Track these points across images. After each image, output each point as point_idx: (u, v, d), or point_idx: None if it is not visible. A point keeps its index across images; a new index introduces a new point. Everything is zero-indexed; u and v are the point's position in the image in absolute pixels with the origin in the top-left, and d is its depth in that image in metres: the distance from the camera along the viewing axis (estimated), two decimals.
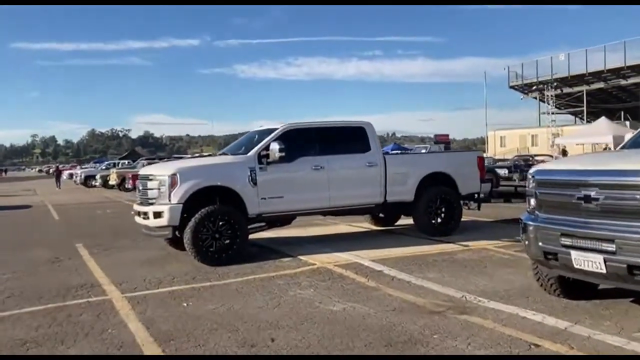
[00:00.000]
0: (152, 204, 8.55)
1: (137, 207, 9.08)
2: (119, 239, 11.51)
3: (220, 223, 8.38)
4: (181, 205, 8.28)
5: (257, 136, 9.98)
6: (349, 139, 9.82)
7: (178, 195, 8.27)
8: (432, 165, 10.22)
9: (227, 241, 8.40)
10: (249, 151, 9.01)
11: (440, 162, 10.46)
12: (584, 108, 46.80)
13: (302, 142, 9.32)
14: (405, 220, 11.63)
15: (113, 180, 30.82)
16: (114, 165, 40.76)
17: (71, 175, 48.57)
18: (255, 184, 8.69)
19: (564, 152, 31.58)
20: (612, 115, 49.26)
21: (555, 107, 46.97)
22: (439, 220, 10.08)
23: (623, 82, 43.80)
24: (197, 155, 33.26)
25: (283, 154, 8.58)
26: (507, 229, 10.80)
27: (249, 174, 8.67)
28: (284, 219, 9.32)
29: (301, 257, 8.51)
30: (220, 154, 9.97)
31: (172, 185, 8.29)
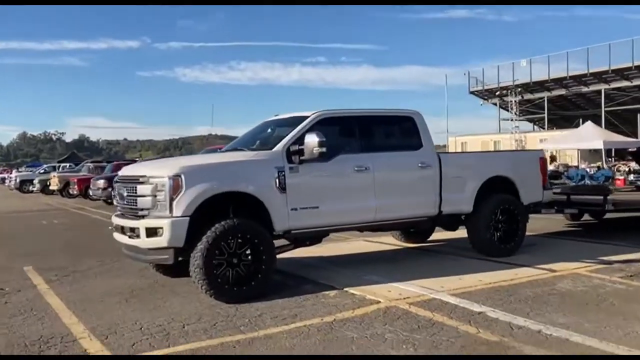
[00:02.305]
0: (143, 216, 6.12)
1: (117, 220, 6.61)
2: (79, 260, 8.91)
3: (239, 242, 6.06)
4: (187, 218, 5.91)
5: (272, 127, 7.71)
6: (396, 133, 7.70)
7: (183, 204, 5.89)
8: (493, 168, 8.19)
9: (249, 269, 6.10)
10: (270, 145, 6.72)
11: (501, 163, 8.44)
12: (545, 115, 46.42)
13: (340, 135, 7.14)
14: (438, 235, 9.60)
15: (54, 185, 27.43)
16: (54, 168, 37.02)
17: (3, 180, 44.22)
18: (283, 189, 6.40)
19: (553, 158, 30.10)
20: (570, 123, 49.36)
21: (515, 113, 46.44)
22: (499, 235, 8.04)
23: (584, 89, 43.63)
24: (139, 159, 30.31)
25: (324, 149, 6.32)
26: (573, 246, 8.93)
27: (276, 176, 6.37)
28: (316, 237, 7.04)
29: (350, 290, 6.27)
30: (228, 150, 7.57)
31: (175, 190, 5.90)
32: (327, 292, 6.23)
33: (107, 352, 4.55)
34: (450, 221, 8.05)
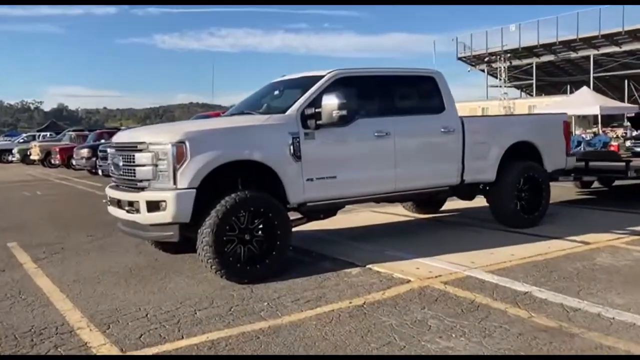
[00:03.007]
0: (142, 188, 5.46)
1: (113, 193, 5.94)
2: (68, 235, 8.25)
3: (252, 216, 5.46)
4: (194, 190, 5.27)
5: (280, 89, 7.03)
6: (417, 94, 7.06)
7: (188, 175, 5.24)
8: (517, 133, 7.62)
9: (262, 245, 5.50)
10: (282, 109, 6.06)
11: (525, 128, 7.83)
12: (533, 81, 45.95)
13: (358, 96, 6.46)
14: (450, 204, 9.06)
15: (35, 155, 26.41)
16: (34, 137, 35.80)
17: None
18: (298, 157, 5.77)
19: None
20: (558, 89, 49.02)
21: (504, 79, 45.90)
22: (522, 205, 7.51)
23: (573, 54, 43.14)
24: (123, 128, 29.10)
25: (345, 111, 5.69)
26: (596, 216, 8.47)
27: (290, 142, 5.73)
28: (332, 209, 6.44)
29: (374, 267, 5.71)
30: (234, 114, 6.85)
31: (179, 159, 5.23)
32: (348, 270, 5.66)
33: (111, 346, 3.94)
34: (470, 190, 7.49)
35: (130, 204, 5.52)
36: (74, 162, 21.02)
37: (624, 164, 8.92)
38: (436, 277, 5.30)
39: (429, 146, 6.76)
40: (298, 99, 6.01)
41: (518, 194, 7.43)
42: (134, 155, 5.50)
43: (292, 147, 5.73)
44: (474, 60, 48.90)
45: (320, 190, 5.96)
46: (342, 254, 6.33)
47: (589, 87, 40.77)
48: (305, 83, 6.36)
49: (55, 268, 6.27)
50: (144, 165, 5.40)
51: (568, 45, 42.34)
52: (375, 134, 6.28)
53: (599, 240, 6.65)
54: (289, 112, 5.89)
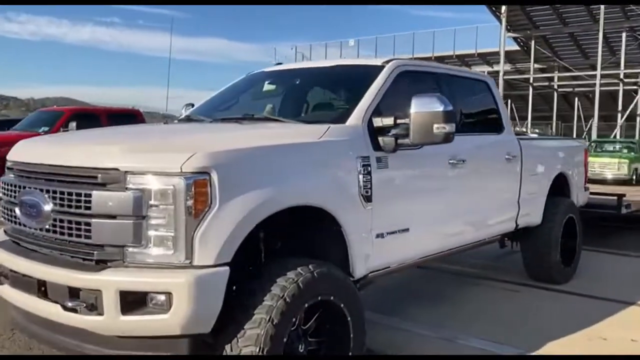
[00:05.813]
0: (105, 261, 2.64)
1: (19, 262, 2.96)
2: None
3: (310, 309, 2.99)
4: (227, 269, 2.63)
5: (289, 83, 4.56)
6: (476, 106, 5.04)
7: (219, 237, 2.60)
8: (559, 161, 5.99)
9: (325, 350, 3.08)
10: (331, 116, 3.70)
11: (563, 156, 6.19)
12: None
13: None
14: None
15: None
16: None
17: None
18: (368, 198, 3.39)
19: None
20: None
21: None
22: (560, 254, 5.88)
23: None
24: None
25: (453, 127, 3.42)
26: (611, 264, 7.16)
27: (359, 172, 3.34)
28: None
29: None
30: (233, 119, 4.03)
31: (200, 205, 2.57)
32: None
33: None
34: (515, 237, 5.68)
35: (74, 292, 2.66)
36: None
37: (615, 197, 7.81)
38: None
39: (497, 179, 4.81)
40: (357, 100, 3.63)
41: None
42: (89, 195, 2.65)
43: (361, 181, 3.34)
44: None
45: (389, 252, 3.64)
46: (396, 348, 4.04)
47: None
48: (343, 76, 4.03)
49: None
50: (113, 217, 2.60)
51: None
52: (450, 161, 4.12)
53: None
54: (349, 121, 3.48)
